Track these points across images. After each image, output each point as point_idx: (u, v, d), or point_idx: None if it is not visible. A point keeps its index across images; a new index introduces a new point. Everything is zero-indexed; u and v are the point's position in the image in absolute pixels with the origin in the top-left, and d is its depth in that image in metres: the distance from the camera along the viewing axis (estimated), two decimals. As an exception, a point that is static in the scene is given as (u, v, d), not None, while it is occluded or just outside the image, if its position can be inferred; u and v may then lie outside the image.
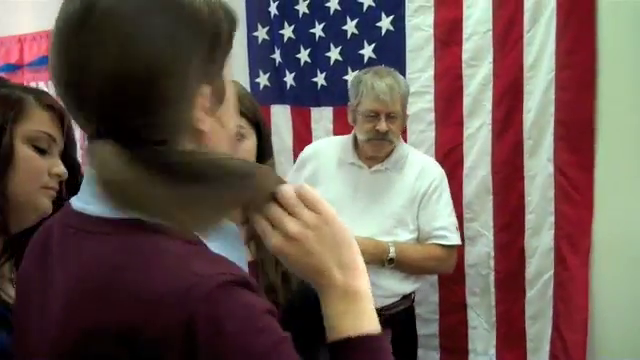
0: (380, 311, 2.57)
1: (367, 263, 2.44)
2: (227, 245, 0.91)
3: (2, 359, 1.15)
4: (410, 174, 2.64)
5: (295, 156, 3.13)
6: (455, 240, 2.65)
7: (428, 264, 2.64)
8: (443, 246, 2.62)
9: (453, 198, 2.74)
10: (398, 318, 2.65)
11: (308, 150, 2.84)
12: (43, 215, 1.33)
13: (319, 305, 1.91)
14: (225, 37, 0.91)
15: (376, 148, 2.63)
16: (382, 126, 2.56)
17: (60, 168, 1.37)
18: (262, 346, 0.80)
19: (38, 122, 1.36)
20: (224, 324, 0.78)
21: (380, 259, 2.51)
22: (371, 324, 0.99)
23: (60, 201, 1.32)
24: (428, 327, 3.04)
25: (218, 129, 0.94)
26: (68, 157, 1.44)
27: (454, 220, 2.68)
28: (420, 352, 3.03)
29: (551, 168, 2.70)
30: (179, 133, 0.89)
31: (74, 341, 0.84)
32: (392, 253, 2.52)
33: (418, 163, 2.68)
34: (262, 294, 0.87)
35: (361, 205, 2.61)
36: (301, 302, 1.80)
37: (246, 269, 0.96)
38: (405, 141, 2.92)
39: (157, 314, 0.78)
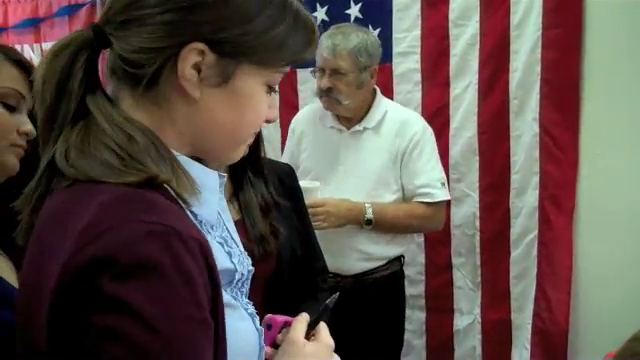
0: (365, 275, 2.61)
1: (343, 225, 2.45)
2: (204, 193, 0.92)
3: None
4: (389, 132, 2.59)
5: (282, 119, 3.12)
6: (441, 196, 2.58)
7: (412, 223, 2.60)
8: (427, 204, 2.57)
9: (440, 159, 2.73)
10: (385, 281, 2.66)
11: (295, 118, 2.83)
12: (10, 173, 1.31)
13: (305, 260, 1.93)
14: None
15: (325, 105, 2.59)
16: (322, 82, 2.53)
17: (29, 127, 1.33)
18: (155, 315, 0.76)
19: (6, 78, 1.31)
20: (128, 274, 0.76)
21: (357, 220, 2.50)
22: None
23: (27, 160, 1.30)
24: (414, 288, 3.06)
25: (222, 110, 0.94)
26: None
27: (439, 175, 2.61)
28: (407, 312, 3.05)
29: (537, 128, 2.70)
30: (160, 74, 0.90)
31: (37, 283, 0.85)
32: (369, 214, 2.49)
33: (397, 120, 2.61)
34: (209, 255, 0.85)
35: (342, 168, 2.60)
36: (290, 255, 1.83)
37: (213, 221, 0.96)
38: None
39: (77, 248, 0.78)
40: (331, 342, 1.13)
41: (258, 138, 1.70)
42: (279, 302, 1.28)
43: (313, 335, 1.12)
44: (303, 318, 1.12)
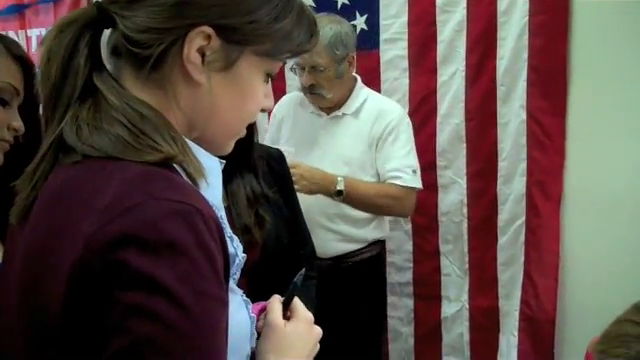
0: (344, 257, 2.59)
1: (314, 193, 2.46)
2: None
3: None
4: (367, 119, 2.61)
5: (269, 105, 3.11)
6: (410, 182, 2.57)
7: (381, 201, 2.56)
8: (398, 186, 2.55)
9: (426, 146, 2.74)
10: (364, 265, 2.67)
11: (278, 103, 2.84)
12: None
13: (292, 247, 1.93)
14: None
15: (311, 100, 2.63)
16: (304, 79, 2.56)
17: (18, 123, 1.34)
18: (184, 293, 0.77)
19: (5, 72, 1.32)
20: (156, 252, 0.76)
21: (328, 190, 2.48)
22: None
23: (14, 154, 1.29)
24: (402, 275, 3.06)
25: (223, 96, 0.94)
26: (29, 111, 1.40)
27: (411, 162, 2.60)
28: (395, 299, 3.07)
29: (524, 115, 2.70)
30: (166, 55, 0.90)
31: (38, 258, 0.85)
32: (340, 185, 2.47)
33: (375, 108, 2.63)
34: (224, 236, 0.86)
35: (320, 152, 2.61)
36: (275, 243, 1.82)
37: (219, 205, 0.96)
38: (379, 89, 2.90)
39: (101, 224, 0.78)
40: (309, 316, 1.12)
41: (251, 133, 1.70)
42: (264, 291, 1.28)
43: (289, 314, 1.11)
44: (276, 299, 1.12)
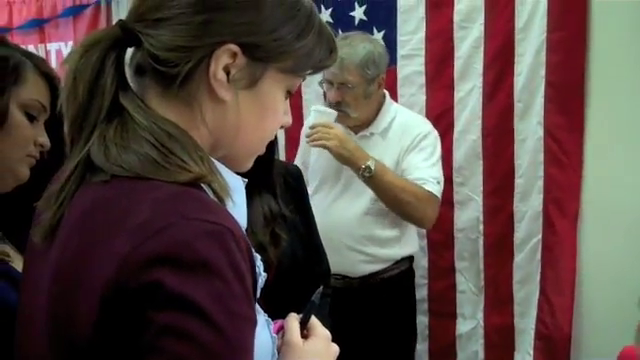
0: (373, 275, 2.49)
1: (343, 158, 2.39)
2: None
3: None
4: (395, 137, 2.58)
5: (288, 122, 3.13)
6: (435, 190, 2.49)
7: (406, 197, 2.45)
8: (424, 189, 2.48)
9: (443, 162, 2.72)
10: (393, 282, 2.65)
11: (307, 120, 2.82)
12: (19, 182, 1.33)
13: (307, 264, 1.91)
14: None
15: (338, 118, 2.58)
16: (331, 95, 2.52)
17: (45, 139, 1.35)
18: (218, 313, 0.77)
19: (34, 90, 1.34)
20: (190, 273, 0.77)
21: (357, 163, 2.42)
22: None
23: (39, 171, 1.31)
24: (417, 291, 3.03)
25: (248, 114, 0.95)
26: (54, 128, 1.42)
27: (436, 174, 2.53)
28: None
29: (541, 131, 2.69)
30: (193, 73, 0.91)
31: (69, 280, 0.84)
32: (372, 163, 2.41)
33: (403, 124, 2.60)
34: (253, 255, 0.86)
35: (350, 172, 2.56)
36: (290, 262, 1.81)
37: (244, 224, 0.96)
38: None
39: (134, 243, 0.78)
40: (327, 333, 1.12)
41: (272, 151, 1.70)
42: (277, 309, 1.28)
43: (306, 332, 1.11)
44: (293, 318, 1.12)
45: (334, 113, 2.48)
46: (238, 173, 1.00)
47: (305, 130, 2.60)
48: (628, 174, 2.52)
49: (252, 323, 0.83)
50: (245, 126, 0.95)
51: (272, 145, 1.69)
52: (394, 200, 2.47)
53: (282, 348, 1.08)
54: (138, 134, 0.88)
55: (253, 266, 0.85)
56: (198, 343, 0.76)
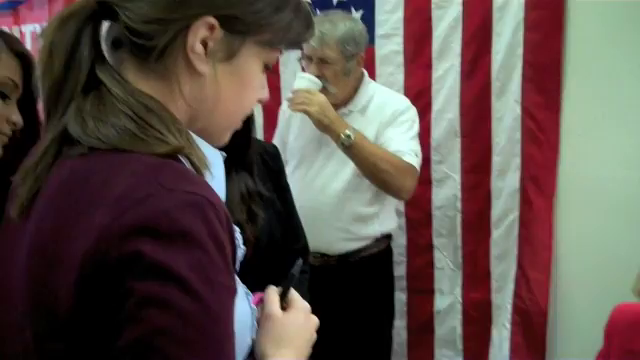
0: (351, 254, 2.53)
1: (322, 124, 2.39)
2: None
3: None
4: (374, 115, 2.60)
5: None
6: (414, 162, 2.51)
7: (384, 166, 2.46)
8: (403, 159, 2.50)
9: (421, 141, 2.72)
10: (372, 260, 2.69)
11: (286, 99, 2.83)
12: None
13: (285, 242, 1.93)
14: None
15: None
16: (310, 70, 2.54)
17: (17, 117, 1.36)
18: (198, 283, 0.78)
19: (7, 68, 1.35)
20: (170, 242, 0.78)
21: (336, 131, 2.43)
22: None
23: (12, 150, 1.31)
24: (396, 269, 3.06)
25: (226, 87, 0.95)
26: (27, 107, 1.41)
27: (415, 147, 2.55)
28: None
29: (518, 110, 2.72)
30: (170, 46, 0.90)
31: (46, 256, 0.85)
32: (351, 131, 2.42)
33: (383, 101, 2.63)
34: (232, 226, 0.87)
35: (328, 150, 2.60)
36: (268, 240, 1.82)
37: (223, 197, 0.97)
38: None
39: (113, 215, 0.79)
40: (307, 305, 1.14)
41: (249, 129, 1.71)
42: (256, 287, 1.29)
43: (286, 305, 1.12)
44: (272, 290, 1.13)
45: (319, 83, 2.49)
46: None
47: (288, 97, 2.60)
48: (605, 152, 2.56)
49: (232, 292, 0.84)
50: (223, 99, 0.96)
51: (249, 123, 1.69)
52: (373, 169, 2.48)
53: (262, 320, 1.10)
54: (116, 107, 0.88)
55: (232, 237, 0.86)
56: (178, 312, 0.76)
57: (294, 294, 1.15)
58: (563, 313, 2.76)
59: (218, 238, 0.81)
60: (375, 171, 2.48)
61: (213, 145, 1.00)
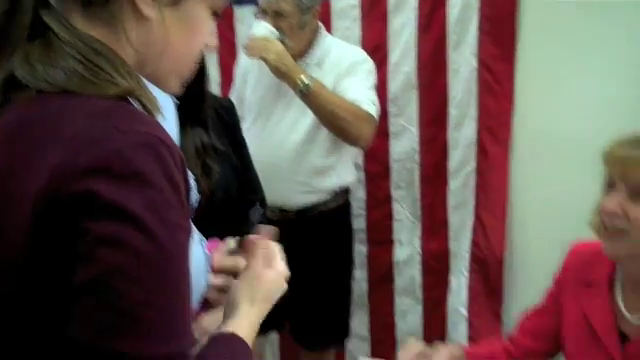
0: (310, 208, 2.52)
1: (279, 72, 2.40)
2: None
3: None
4: (331, 67, 2.61)
5: (220, 57, 3.13)
6: (372, 110, 2.53)
7: (342, 113, 2.47)
8: (361, 107, 2.52)
9: (378, 94, 2.74)
10: (331, 214, 2.72)
11: (242, 53, 2.81)
12: None
13: (241, 196, 1.93)
14: None
15: None
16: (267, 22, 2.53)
17: None
18: (152, 222, 0.79)
19: None
20: (124, 182, 0.78)
21: (294, 79, 2.43)
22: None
23: None
24: (355, 222, 3.10)
25: (173, 31, 0.95)
26: None
27: (372, 97, 2.57)
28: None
29: (474, 62, 2.76)
30: None
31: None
32: (308, 78, 2.44)
33: (339, 54, 2.64)
34: (185, 167, 0.88)
35: (286, 100, 2.60)
36: (224, 194, 1.83)
37: (176, 139, 0.97)
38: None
39: (67, 155, 0.79)
40: (287, 271, 1.18)
41: (202, 83, 1.70)
42: (212, 236, 1.31)
43: (243, 251, 1.15)
44: (263, 242, 1.18)
45: (276, 33, 2.48)
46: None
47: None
48: (558, 102, 2.62)
49: (187, 232, 0.85)
50: (172, 43, 0.96)
51: (202, 76, 1.68)
52: (331, 117, 2.49)
53: (244, 274, 1.13)
54: (64, 51, 0.87)
55: (186, 178, 0.87)
56: (133, 251, 0.77)
57: (278, 254, 1.18)
58: (519, 259, 2.85)
59: (172, 178, 0.82)
60: (333, 119, 2.49)
61: (164, 91, 1.00)
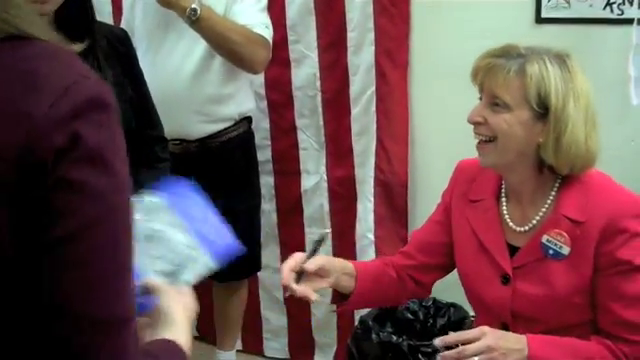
0: (210, 138, 2.51)
1: (169, 1, 2.34)
2: None
3: None
4: None
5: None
6: (265, 34, 2.50)
7: (235, 37, 2.44)
8: (254, 31, 2.49)
9: (276, 21, 2.69)
10: (232, 143, 2.69)
11: None
12: None
13: (140, 129, 1.87)
14: None
15: None
16: None
17: None
18: (115, 162, 0.79)
19: None
20: (104, 128, 0.78)
21: (182, 6, 2.36)
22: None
23: None
24: (261, 153, 3.07)
25: None
26: None
27: (265, 20, 2.55)
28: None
29: (370, -17, 2.71)
30: None
31: None
32: (196, 4, 2.35)
33: None
34: None
35: (176, 30, 2.52)
36: (123, 128, 1.77)
37: None
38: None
39: (44, 104, 0.75)
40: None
41: (84, 8, 1.63)
42: None
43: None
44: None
45: None
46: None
47: None
48: (455, 23, 2.62)
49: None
50: None
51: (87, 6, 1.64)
52: (222, 42, 2.45)
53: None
54: None
55: None
56: (109, 205, 0.78)
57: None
58: (422, 181, 2.88)
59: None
60: (225, 44, 2.45)
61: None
